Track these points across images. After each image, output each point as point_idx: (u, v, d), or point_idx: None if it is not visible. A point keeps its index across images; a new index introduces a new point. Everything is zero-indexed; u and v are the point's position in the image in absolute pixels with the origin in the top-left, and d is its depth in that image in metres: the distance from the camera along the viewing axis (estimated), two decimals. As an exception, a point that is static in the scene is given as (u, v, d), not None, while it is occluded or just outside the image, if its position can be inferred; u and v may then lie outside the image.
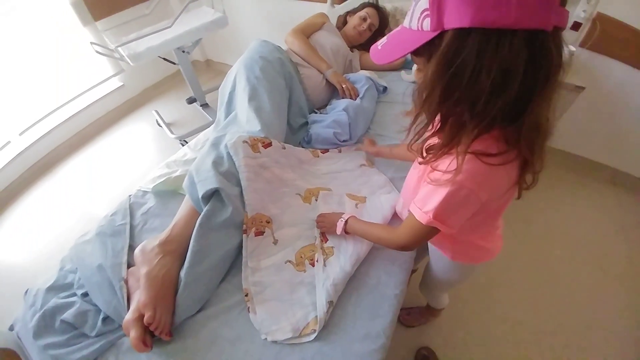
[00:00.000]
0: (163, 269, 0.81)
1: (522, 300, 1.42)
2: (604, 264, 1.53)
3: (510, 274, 1.48)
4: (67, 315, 0.79)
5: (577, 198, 1.82)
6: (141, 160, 2.24)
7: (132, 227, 1.00)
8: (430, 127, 0.54)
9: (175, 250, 0.86)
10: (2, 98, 1.98)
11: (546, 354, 1.27)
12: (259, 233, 0.93)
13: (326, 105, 1.42)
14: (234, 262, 0.91)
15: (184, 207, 0.96)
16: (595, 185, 1.86)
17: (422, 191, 0.59)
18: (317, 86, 1.40)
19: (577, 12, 1.43)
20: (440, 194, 0.54)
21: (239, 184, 0.96)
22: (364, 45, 1.65)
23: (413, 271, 1.20)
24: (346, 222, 0.86)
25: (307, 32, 1.49)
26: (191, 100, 2.43)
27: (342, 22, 1.67)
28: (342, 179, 1.14)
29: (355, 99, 1.33)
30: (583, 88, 1.47)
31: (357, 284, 0.86)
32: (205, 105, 2.39)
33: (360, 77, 1.42)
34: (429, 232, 0.62)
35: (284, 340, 0.76)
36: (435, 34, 0.44)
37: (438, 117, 0.52)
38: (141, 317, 0.74)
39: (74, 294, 0.86)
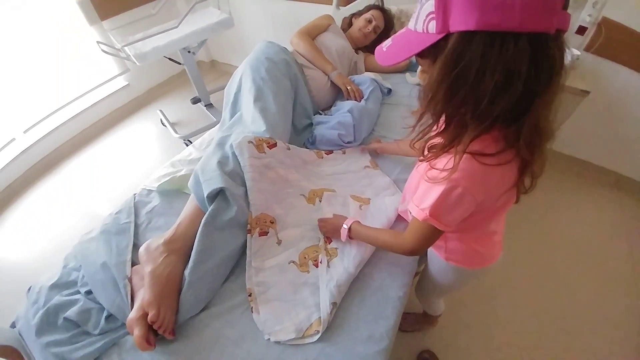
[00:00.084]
0: (167, 268, 0.81)
1: (524, 304, 1.41)
2: (607, 269, 1.52)
3: (513, 278, 1.48)
4: (70, 312, 0.79)
5: (581, 202, 1.81)
6: (144, 160, 2.25)
7: (136, 226, 1.01)
8: (434, 127, 0.55)
9: (179, 249, 0.86)
10: (7, 95, 2.00)
11: (548, 359, 1.26)
12: (263, 233, 0.93)
13: (331, 107, 1.42)
14: (238, 261, 0.91)
15: (189, 206, 0.96)
16: (598, 190, 1.85)
17: (420, 189, 0.60)
18: (322, 87, 1.41)
19: (583, 16, 1.43)
20: (437, 191, 0.54)
21: (244, 184, 0.96)
22: (369, 47, 1.66)
23: (416, 274, 1.20)
24: (349, 228, 0.85)
25: (312, 33, 1.50)
26: (196, 100, 2.44)
27: (348, 24, 1.68)
28: (346, 180, 1.14)
29: (360, 101, 1.34)
30: (588, 92, 1.47)
31: (360, 286, 0.86)
32: (209, 106, 2.40)
33: (365, 79, 1.42)
34: (432, 234, 0.62)
35: (287, 341, 0.76)
36: (441, 36, 0.45)
37: (442, 118, 0.52)
38: (145, 315, 0.74)
39: (78, 292, 0.87)
